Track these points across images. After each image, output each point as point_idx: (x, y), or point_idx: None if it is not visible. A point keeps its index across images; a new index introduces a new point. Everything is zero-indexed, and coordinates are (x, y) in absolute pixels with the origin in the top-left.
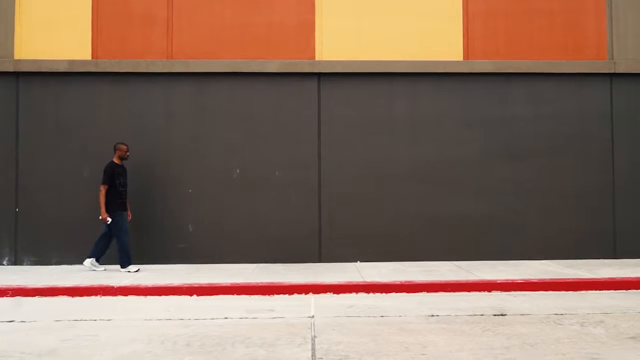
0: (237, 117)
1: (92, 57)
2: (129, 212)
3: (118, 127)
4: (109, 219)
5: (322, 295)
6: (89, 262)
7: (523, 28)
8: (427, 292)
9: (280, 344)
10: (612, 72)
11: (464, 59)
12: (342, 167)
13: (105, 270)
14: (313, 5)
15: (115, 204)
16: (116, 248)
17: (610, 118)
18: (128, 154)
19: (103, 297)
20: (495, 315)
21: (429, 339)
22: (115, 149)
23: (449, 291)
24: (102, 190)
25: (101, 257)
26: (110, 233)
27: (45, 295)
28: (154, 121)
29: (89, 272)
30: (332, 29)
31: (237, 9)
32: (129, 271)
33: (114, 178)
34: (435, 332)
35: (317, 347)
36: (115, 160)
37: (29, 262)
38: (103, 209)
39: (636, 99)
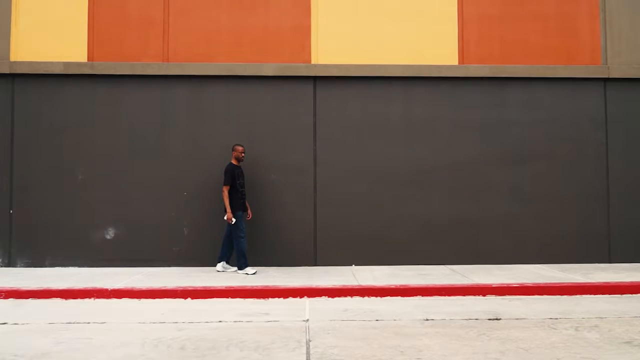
0: (233, 121)
1: (88, 60)
2: (249, 212)
3: (113, 130)
4: (234, 219)
5: (317, 299)
6: (220, 265)
7: (518, 33)
8: (422, 296)
9: (274, 347)
10: (606, 77)
11: (459, 63)
12: (338, 171)
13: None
14: (309, 9)
15: (237, 205)
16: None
17: (604, 123)
18: (244, 154)
19: (97, 300)
20: (490, 319)
21: (423, 343)
22: (232, 150)
23: (444, 295)
24: (225, 191)
25: (230, 258)
26: (230, 234)
27: (39, 298)
28: (149, 124)
29: (86, 274)
30: (328, 33)
31: (233, 12)
32: (246, 273)
33: (235, 179)
34: (430, 336)
35: (311, 351)
36: (233, 161)
37: (22, 264)
38: (229, 209)
39: (630, 104)
